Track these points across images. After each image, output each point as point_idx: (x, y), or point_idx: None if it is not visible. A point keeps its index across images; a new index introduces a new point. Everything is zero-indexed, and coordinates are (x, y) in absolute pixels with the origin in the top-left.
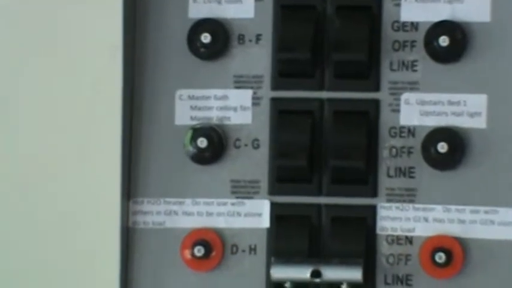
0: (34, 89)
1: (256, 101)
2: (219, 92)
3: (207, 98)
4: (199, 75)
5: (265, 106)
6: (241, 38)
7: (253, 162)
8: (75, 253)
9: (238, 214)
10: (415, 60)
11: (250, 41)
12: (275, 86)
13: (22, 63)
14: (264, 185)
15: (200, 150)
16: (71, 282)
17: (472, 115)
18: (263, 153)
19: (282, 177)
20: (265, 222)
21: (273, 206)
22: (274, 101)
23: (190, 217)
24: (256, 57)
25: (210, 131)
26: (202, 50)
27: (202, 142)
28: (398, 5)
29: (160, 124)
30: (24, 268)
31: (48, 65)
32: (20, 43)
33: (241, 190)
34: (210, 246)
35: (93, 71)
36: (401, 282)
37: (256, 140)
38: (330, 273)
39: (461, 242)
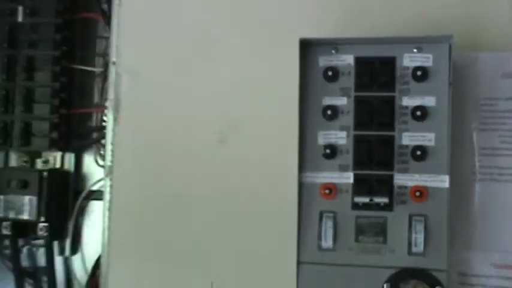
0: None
1: (348, 135)
2: (333, 132)
3: (329, 134)
4: (326, 125)
5: (352, 137)
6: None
7: (347, 158)
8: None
9: (342, 177)
10: (407, 121)
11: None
12: (355, 129)
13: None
14: (351, 166)
15: (327, 153)
16: (278, 215)
17: (429, 140)
18: (351, 155)
19: (358, 163)
20: (351, 180)
21: (355, 174)
22: (355, 136)
23: (324, 178)
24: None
25: (330, 146)
26: (327, 116)
27: (328, 151)
28: (401, 99)
29: (313, 144)
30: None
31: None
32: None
33: (343, 168)
34: (331, 189)
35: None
36: (402, 203)
37: (348, 150)
38: (377, 199)
39: (426, 187)
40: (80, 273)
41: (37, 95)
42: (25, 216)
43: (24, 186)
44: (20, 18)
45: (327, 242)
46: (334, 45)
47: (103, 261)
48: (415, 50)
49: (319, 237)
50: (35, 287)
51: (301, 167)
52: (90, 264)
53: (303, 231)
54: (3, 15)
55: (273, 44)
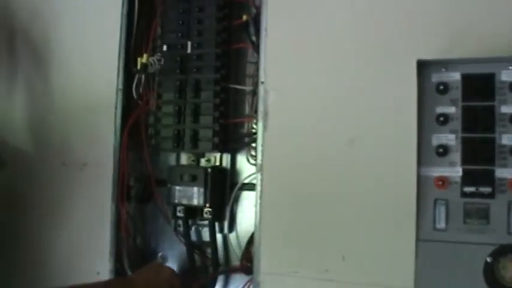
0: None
1: (457, 137)
2: (444, 135)
3: (441, 137)
4: (439, 129)
5: (460, 139)
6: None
7: (456, 155)
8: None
9: (452, 171)
10: (506, 125)
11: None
12: (462, 132)
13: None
14: (459, 162)
15: (440, 152)
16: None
17: None
18: (459, 153)
19: (465, 160)
20: (460, 174)
21: (463, 169)
22: (462, 138)
23: (437, 172)
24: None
25: (442, 146)
26: (439, 122)
27: (440, 150)
28: (500, 107)
29: (428, 144)
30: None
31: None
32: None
33: (453, 164)
34: (443, 181)
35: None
36: (502, 192)
37: (457, 149)
38: (482, 189)
39: None
40: (235, 247)
41: (202, 109)
42: (194, 203)
43: (193, 180)
44: (188, 50)
45: (440, 224)
46: (444, 64)
47: (256, 237)
48: (510, 68)
49: (434, 220)
50: (201, 256)
51: (419, 163)
52: (242, 240)
53: (420, 215)
54: (176, 49)
55: (394, 63)
